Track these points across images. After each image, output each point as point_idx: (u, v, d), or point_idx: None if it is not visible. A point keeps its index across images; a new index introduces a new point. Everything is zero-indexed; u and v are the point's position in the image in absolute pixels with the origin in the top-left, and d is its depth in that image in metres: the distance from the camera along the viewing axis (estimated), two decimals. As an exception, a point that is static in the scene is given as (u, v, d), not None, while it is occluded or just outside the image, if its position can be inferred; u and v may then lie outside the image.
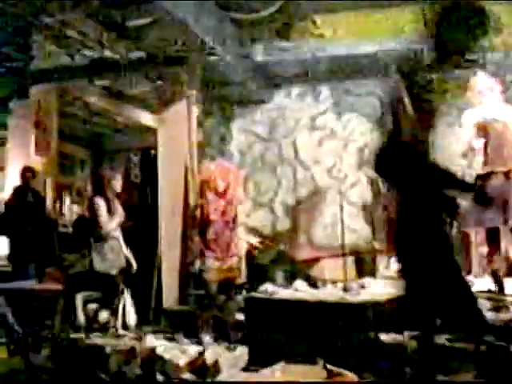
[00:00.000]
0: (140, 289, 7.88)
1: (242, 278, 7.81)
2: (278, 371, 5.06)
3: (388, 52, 8.60)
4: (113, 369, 5.40)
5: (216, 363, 5.63)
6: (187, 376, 5.52)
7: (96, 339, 6.81)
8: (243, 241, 8.14)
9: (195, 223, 7.60)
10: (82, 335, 6.89)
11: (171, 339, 6.93)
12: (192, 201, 8.10)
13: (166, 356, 5.80)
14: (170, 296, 8.23)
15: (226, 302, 7.30)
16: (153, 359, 5.71)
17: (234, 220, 7.48)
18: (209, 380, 5.47)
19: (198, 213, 7.49)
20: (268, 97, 10.39)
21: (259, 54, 8.87)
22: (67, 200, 11.80)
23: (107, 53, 8.10)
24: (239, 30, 8.55)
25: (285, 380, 4.98)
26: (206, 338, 6.77)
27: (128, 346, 6.21)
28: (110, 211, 7.27)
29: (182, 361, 5.73)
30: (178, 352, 6.06)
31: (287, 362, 5.16)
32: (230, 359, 5.83)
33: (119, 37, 7.81)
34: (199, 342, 6.70)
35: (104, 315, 7.42)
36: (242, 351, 6.02)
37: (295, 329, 5.75)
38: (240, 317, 6.96)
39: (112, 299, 7.26)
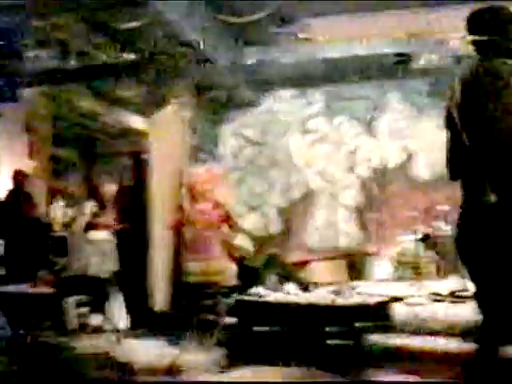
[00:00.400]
0: (131, 292, 7.87)
1: (233, 281, 7.80)
2: (248, 373, 5.07)
3: (379, 55, 8.64)
4: (87, 372, 5.40)
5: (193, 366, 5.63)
6: (165, 378, 5.51)
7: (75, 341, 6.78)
8: (236, 246, 8.15)
9: (182, 226, 7.61)
10: (68, 338, 6.87)
11: (156, 341, 6.91)
12: (181, 204, 8.10)
13: (146, 358, 5.79)
14: (160, 299, 8.22)
15: (213, 305, 7.30)
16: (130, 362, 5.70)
17: (221, 223, 7.49)
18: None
19: (184, 216, 7.51)
20: (259, 100, 10.39)
21: (251, 57, 8.88)
22: (60, 203, 11.77)
23: (99, 56, 8.09)
24: (231, 34, 8.56)
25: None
26: (191, 340, 6.75)
27: (104, 349, 6.19)
28: (100, 214, 7.28)
29: (161, 363, 5.72)
30: (158, 354, 6.04)
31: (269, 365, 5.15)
32: (210, 361, 5.82)
33: (111, 40, 7.81)
34: (184, 345, 6.68)
35: (95, 318, 7.41)
36: (222, 354, 5.99)
37: (286, 331, 5.74)
38: (229, 320, 6.94)
39: (102, 303, 7.25)
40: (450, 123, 3.71)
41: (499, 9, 3.78)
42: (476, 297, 3.81)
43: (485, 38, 3.71)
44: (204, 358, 5.97)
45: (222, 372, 5.50)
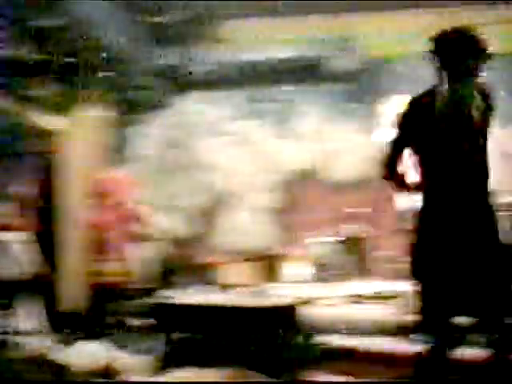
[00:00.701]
0: (44, 293, 7.73)
1: (145, 283, 7.76)
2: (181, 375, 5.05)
3: (295, 58, 8.71)
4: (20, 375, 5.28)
5: (112, 368, 5.56)
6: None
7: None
8: (146, 247, 8.11)
9: (88, 228, 7.54)
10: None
11: (69, 343, 6.79)
12: (93, 205, 8.01)
13: (81, 361, 5.69)
14: (73, 300, 8.10)
15: (123, 306, 7.24)
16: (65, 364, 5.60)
17: (133, 225, 7.45)
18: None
19: (96, 217, 7.44)
20: (175, 101, 10.32)
21: (167, 57, 8.83)
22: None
23: (14, 53, 7.89)
24: (150, 34, 8.49)
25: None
26: (102, 343, 6.66)
27: (38, 352, 6.07)
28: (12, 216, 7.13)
29: (96, 365, 5.63)
30: (92, 356, 5.94)
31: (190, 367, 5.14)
32: (144, 363, 5.76)
33: (28, 37, 7.63)
34: (115, 347, 6.59)
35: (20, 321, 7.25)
36: (154, 356, 5.94)
37: (200, 334, 5.72)
38: (141, 322, 6.89)
39: (11, 305, 7.09)
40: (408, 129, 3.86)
41: (465, 31, 3.88)
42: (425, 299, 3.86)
43: (448, 58, 3.84)
44: (138, 359, 5.91)
45: (156, 374, 5.45)
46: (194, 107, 10.35)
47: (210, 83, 9.89)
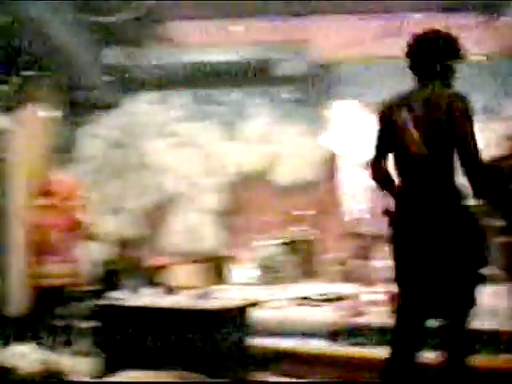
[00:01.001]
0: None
1: (92, 284, 7.69)
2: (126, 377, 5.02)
3: (244, 61, 8.74)
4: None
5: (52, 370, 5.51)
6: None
7: None
8: (92, 249, 8.05)
9: (34, 229, 7.45)
10: None
11: (32, 347, 6.70)
12: (37, 206, 7.92)
13: (26, 364, 5.61)
14: (17, 303, 7.99)
15: (72, 309, 7.17)
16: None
17: (75, 227, 7.38)
18: None
19: (40, 218, 7.35)
20: (121, 102, 10.27)
21: (114, 57, 8.77)
22: None
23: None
24: (94, 34, 8.41)
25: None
26: (48, 345, 6.60)
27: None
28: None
29: (40, 368, 5.56)
30: (37, 360, 5.86)
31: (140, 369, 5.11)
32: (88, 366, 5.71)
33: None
34: (60, 350, 6.52)
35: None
36: (98, 359, 5.88)
37: (147, 336, 5.68)
38: (87, 324, 6.82)
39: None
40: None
41: (441, 35, 3.92)
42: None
43: (424, 63, 3.88)
44: (82, 362, 5.85)
45: (101, 377, 5.40)
46: (142, 108, 10.31)
47: (158, 84, 9.87)
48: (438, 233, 3.69)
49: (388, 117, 3.92)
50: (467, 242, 3.71)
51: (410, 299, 3.79)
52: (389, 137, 3.91)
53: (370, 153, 4.04)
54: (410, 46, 3.96)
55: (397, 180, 3.92)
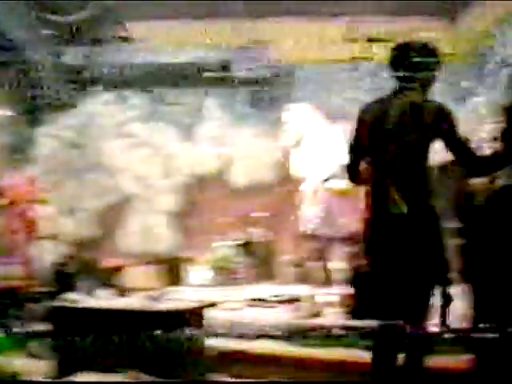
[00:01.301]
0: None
1: (45, 286, 7.63)
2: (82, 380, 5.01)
3: (201, 62, 8.74)
4: None
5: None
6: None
7: None
8: (47, 249, 7.98)
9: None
10: None
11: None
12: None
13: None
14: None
15: (25, 311, 7.11)
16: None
17: (30, 227, 7.33)
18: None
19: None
20: (78, 101, 10.19)
21: (71, 57, 8.71)
22: None
23: None
24: (52, 32, 8.34)
25: None
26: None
27: None
28: None
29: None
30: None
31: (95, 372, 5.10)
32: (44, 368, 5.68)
33: None
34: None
35: None
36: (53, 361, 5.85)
37: (102, 338, 5.66)
38: (42, 326, 6.76)
39: None
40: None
41: (423, 44, 3.99)
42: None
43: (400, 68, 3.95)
44: (36, 365, 5.81)
45: (57, 379, 5.37)
46: (98, 108, 10.24)
47: (115, 84, 9.81)
48: (403, 234, 3.77)
49: (366, 121, 3.99)
50: (429, 244, 3.79)
51: (366, 301, 3.85)
52: (366, 141, 3.97)
53: (347, 157, 4.10)
54: (393, 54, 4.04)
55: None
